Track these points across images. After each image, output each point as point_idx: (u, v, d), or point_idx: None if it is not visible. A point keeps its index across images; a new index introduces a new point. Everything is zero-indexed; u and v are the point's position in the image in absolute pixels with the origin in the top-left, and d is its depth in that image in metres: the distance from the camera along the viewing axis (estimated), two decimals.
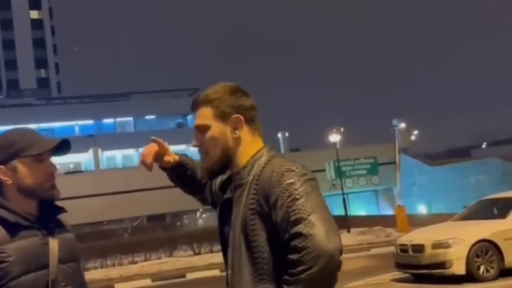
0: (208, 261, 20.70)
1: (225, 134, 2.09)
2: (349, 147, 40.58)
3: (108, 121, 65.86)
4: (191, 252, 23.94)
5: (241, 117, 2.08)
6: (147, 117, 66.50)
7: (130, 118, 66.76)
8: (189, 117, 70.15)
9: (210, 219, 54.88)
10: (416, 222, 23.20)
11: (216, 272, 18.14)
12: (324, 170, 39.61)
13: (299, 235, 1.82)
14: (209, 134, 2.11)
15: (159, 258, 23.01)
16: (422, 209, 40.86)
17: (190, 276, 18.25)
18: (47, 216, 2.30)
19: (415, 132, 50.78)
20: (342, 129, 35.42)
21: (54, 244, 2.26)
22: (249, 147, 2.09)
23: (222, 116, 2.09)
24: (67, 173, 53.59)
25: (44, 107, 65.00)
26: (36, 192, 2.25)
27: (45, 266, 2.22)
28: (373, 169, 35.58)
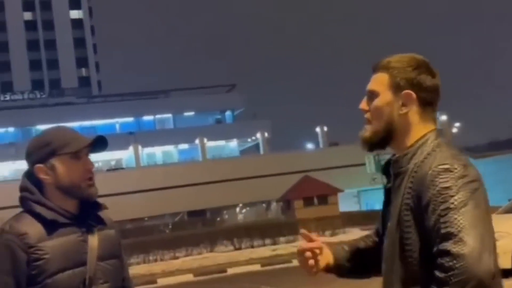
0: (248, 256, 20.75)
1: (392, 107, 1.89)
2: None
3: (147, 118, 66.57)
4: (232, 247, 24.05)
5: (413, 94, 1.87)
6: (186, 113, 66.97)
7: (169, 115, 67.33)
8: (227, 113, 70.43)
9: (250, 214, 55.05)
10: None
11: (257, 267, 18.18)
12: (364, 165, 39.32)
13: (447, 253, 1.64)
14: (376, 102, 1.92)
15: (200, 253, 23.19)
16: None
17: (231, 271, 18.32)
18: (88, 213, 2.31)
19: (457, 124, 49.99)
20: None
21: (93, 241, 2.26)
22: (416, 129, 1.89)
23: (395, 87, 1.89)
24: (109, 170, 54.43)
25: (85, 106, 66.09)
26: (74, 190, 2.26)
27: (83, 263, 2.22)
28: None
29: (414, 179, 1.81)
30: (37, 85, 77.42)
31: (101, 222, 2.35)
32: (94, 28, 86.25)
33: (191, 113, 67.02)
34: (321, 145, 61.48)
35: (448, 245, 1.64)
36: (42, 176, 2.25)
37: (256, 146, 66.16)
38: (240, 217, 56.43)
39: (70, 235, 2.23)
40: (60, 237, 2.20)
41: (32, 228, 2.18)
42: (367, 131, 1.94)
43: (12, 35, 79.18)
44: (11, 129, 62.14)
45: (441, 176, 1.74)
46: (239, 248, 23.78)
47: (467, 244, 1.63)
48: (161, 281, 18.01)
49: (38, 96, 70.75)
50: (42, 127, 61.37)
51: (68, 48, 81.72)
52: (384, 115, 1.90)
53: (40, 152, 2.26)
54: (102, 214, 2.39)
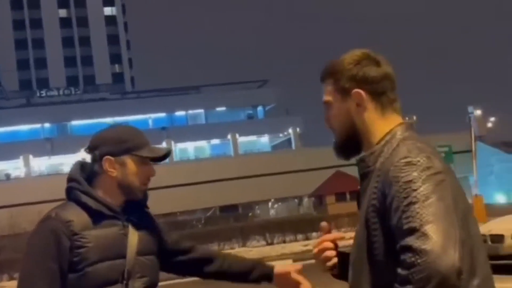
0: (280, 251, 20.77)
1: (348, 111, 1.83)
2: (422, 136, 39.61)
3: (180, 113, 67.04)
4: (264, 242, 24.09)
5: (362, 92, 1.80)
6: (218, 109, 67.24)
7: (201, 110, 67.70)
8: (259, 108, 70.47)
9: (282, 210, 55.06)
10: (494, 211, 22.51)
11: (288, 262, 18.19)
12: None
13: (409, 249, 1.54)
14: (332, 112, 1.87)
15: (232, 248, 23.28)
16: (500, 199, 39.57)
17: None
18: (132, 210, 2.38)
19: (492, 119, 49.15)
20: (414, 118, 34.70)
21: (133, 236, 2.33)
22: (378, 126, 1.81)
23: (342, 91, 1.83)
24: None
25: (119, 101, 66.87)
26: (132, 190, 2.35)
27: (123, 256, 2.28)
28: (448, 158, 34.52)
29: (380, 178, 1.71)
30: (72, 81, 78.55)
31: (142, 219, 2.42)
32: (127, 25, 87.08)
33: (223, 109, 67.25)
34: None
35: (410, 240, 1.55)
36: (109, 168, 2.32)
37: (288, 141, 66.10)
38: (272, 212, 56.48)
39: (112, 227, 2.30)
40: (103, 228, 2.27)
41: (77, 217, 2.25)
42: (335, 141, 1.89)
43: (48, 32, 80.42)
44: (47, 125, 63.21)
45: (403, 170, 1.64)
46: (271, 243, 23.82)
47: (430, 238, 1.53)
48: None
49: (73, 92, 71.88)
50: (77, 123, 62.56)
51: (102, 44, 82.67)
52: (343, 122, 1.84)
53: (115, 146, 2.33)
54: (145, 211, 2.47)
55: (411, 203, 1.59)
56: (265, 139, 67.79)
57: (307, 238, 24.00)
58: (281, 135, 66.87)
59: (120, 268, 2.26)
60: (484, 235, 11.86)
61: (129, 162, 2.34)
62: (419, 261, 1.52)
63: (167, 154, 2.46)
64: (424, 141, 1.78)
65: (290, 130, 63.87)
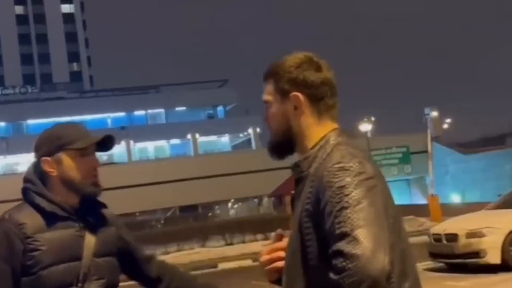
0: (240, 251, 20.78)
1: (286, 113, 1.84)
2: (380, 137, 40.27)
3: (139, 113, 66.41)
4: (223, 242, 24.07)
5: (300, 95, 1.81)
6: (178, 108, 66.85)
7: (161, 110, 67.22)
8: (219, 108, 70.35)
9: (242, 209, 55.11)
10: (449, 211, 22.94)
11: (248, 262, 18.20)
12: None
13: (340, 253, 1.56)
14: (271, 111, 1.89)
15: (191, 249, 23.20)
16: (455, 198, 40.38)
17: (222, 266, 18.35)
18: (88, 210, 2.33)
19: (448, 120, 50.12)
20: (373, 119, 35.17)
21: (90, 237, 2.29)
22: (314, 130, 1.82)
23: (282, 92, 1.84)
24: (100, 165, 54.29)
25: (77, 100, 65.84)
26: (78, 185, 2.29)
27: (79, 258, 2.24)
28: (405, 158, 35.31)
29: (314, 183, 1.72)
30: (28, 79, 77.00)
31: (100, 220, 2.37)
32: (85, 23, 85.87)
33: (183, 108, 66.92)
34: None
35: (341, 245, 1.56)
36: (47, 169, 2.28)
37: (248, 141, 66.17)
38: (232, 212, 56.45)
39: (68, 229, 2.25)
40: (58, 230, 2.23)
41: (31, 219, 2.21)
42: (270, 140, 1.91)
43: (3, 29, 78.63)
44: (2, 124, 61.80)
45: (336, 176, 1.66)
46: (231, 243, 23.81)
47: (360, 242, 1.55)
48: None
49: (30, 90, 70.37)
50: (33, 122, 61.37)
51: (60, 42, 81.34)
52: (280, 123, 1.86)
53: (49, 145, 2.29)
54: (103, 212, 2.42)
55: (343, 208, 1.61)
56: (225, 139, 67.72)
57: (266, 238, 24.05)
58: (241, 135, 66.92)
59: (75, 271, 2.22)
60: (439, 234, 12.10)
61: (65, 158, 2.28)
62: (349, 265, 1.53)
63: (107, 140, 2.35)
64: (356, 146, 1.80)
65: (250, 130, 63.98)
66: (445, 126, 48.34)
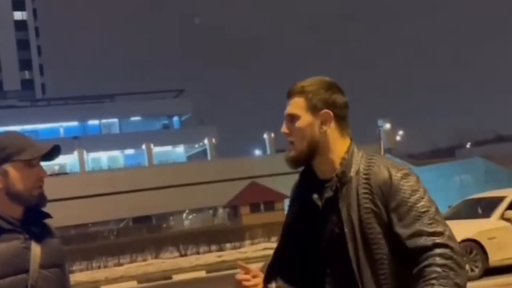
0: (194, 263, 20.69)
1: (313, 127, 2.10)
2: None
3: (93, 122, 65.57)
4: (177, 254, 23.91)
5: (331, 113, 2.09)
6: (133, 118, 66.27)
7: (115, 120, 66.50)
8: (175, 118, 70.02)
9: (196, 220, 54.81)
10: None
11: (202, 274, 18.13)
12: None
13: (445, 246, 1.94)
14: (297, 124, 2.11)
15: (145, 260, 22.95)
16: None
17: (176, 277, 18.21)
18: (32, 221, 2.27)
19: (400, 132, 51.09)
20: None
21: (36, 248, 2.23)
22: (338, 144, 2.12)
23: (313, 109, 2.10)
24: (51, 175, 53.26)
25: (28, 109, 64.58)
26: (24, 198, 2.23)
27: (25, 270, 2.18)
28: None
29: (371, 185, 2.02)
30: None
31: (45, 230, 2.32)
32: (38, 30, 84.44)
33: (138, 118, 66.38)
34: (268, 152, 61.81)
35: (443, 240, 1.94)
36: None
37: (203, 152, 66.02)
38: (186, 223, 56.10)
39: (13, 241, 2.19)
40: (2, 243, 2.16)
41: None
42: (292, 151, 2.12)
43: None
44: None
45: (405, 180, 2.01)
46: (185, 255, 23.67)
47: (454, 240, 1.96)
48: None
49: None
50: None
51: (11, 50, 79.70)
52: (307, 135, 2.09)
53: None
54: (47, 222, 2.36)
55: (427, 211, 1.99)
56: (180, 149, 67.42)
57: (221, 249, 24.02)
58: (196, 145, 66.72)
59: (23, 284, 2.16)
60: None
61: (11, 171, 2.21)
62: (453, 255, 1.93)
63: (54, 150, 2.29)
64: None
65: (206, 141, 63.86)
66: (398, 138, 49.27)
